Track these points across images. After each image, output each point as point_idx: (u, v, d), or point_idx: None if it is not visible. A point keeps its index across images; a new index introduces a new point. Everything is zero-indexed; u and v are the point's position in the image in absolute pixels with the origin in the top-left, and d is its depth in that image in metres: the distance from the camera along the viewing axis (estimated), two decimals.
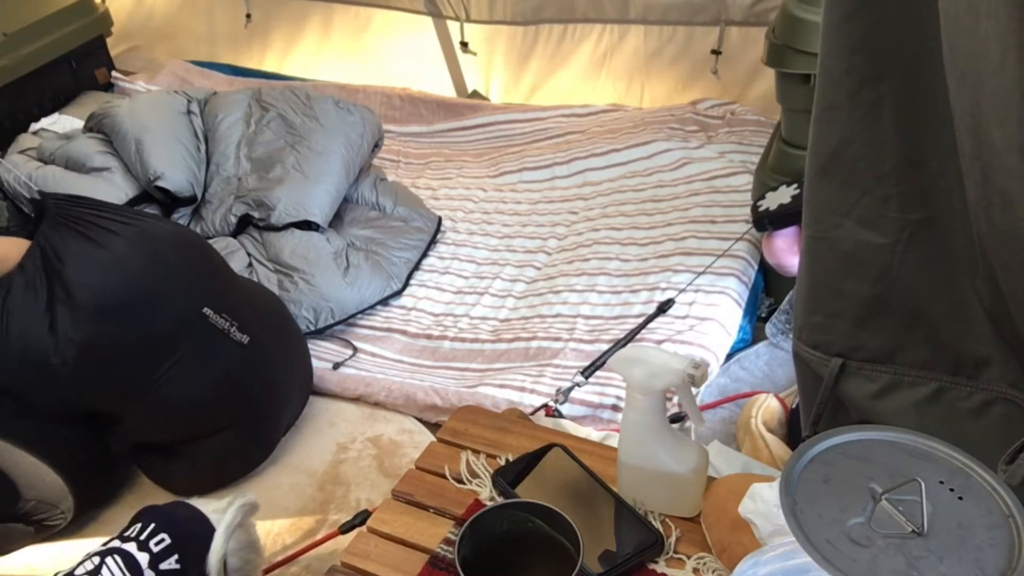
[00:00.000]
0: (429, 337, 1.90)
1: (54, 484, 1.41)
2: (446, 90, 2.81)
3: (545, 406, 1.52)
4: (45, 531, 1.44)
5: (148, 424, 1.47)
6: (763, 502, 0.88)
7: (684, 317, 1.73)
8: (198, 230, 2.06)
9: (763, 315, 1.86)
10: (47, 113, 2.60)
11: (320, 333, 1.89)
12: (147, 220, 1.49)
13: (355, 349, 1.86)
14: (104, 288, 1.33)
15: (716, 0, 2.35)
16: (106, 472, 1.54)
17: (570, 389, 1.55)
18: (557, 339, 1.79)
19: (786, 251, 1.75)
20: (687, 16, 2.42)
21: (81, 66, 2.81)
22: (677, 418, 1.39)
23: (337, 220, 2.11)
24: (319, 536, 1.38)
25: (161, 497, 1.51)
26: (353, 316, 1.93)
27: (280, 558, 1.38)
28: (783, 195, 1.73)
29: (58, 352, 1.31)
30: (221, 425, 1.49)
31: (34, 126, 2.48)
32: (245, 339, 1.48)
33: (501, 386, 1.65)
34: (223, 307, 1.46)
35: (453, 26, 2.73)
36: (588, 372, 1.58)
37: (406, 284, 2.04)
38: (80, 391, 1.38)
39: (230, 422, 1.50)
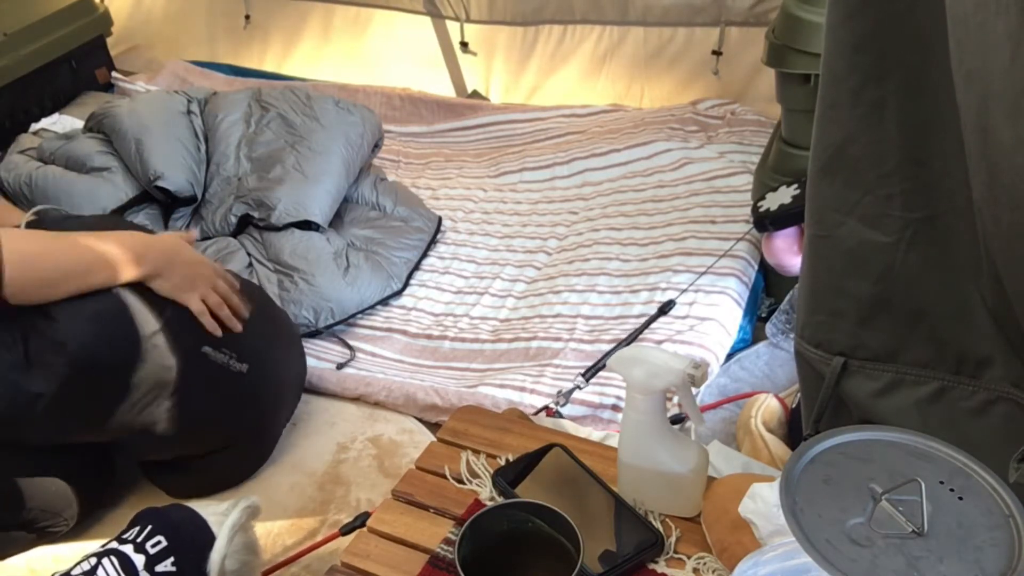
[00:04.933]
0: (429, 337, 1.90)
1: (60, 492, 1.39)
2: (446, 90, 2.81)
3: (546, 408, 1.52)
4: (47, 537, 1.43)
5: (148, 450, 1.45)
6: (763, 502, 0.88)
7: (684, 317, 1.73)
8: (198, 230, 2.06)
9: (763, 315, 1.85)
10: (47, 113, 2.59)
11: (320, 333, 1.89)
12: None
13: (352, 350, 1.84)
14: (97, 343, 1.25)
15: (716, 1, 2.35)
16: (111, 477, 1.54)
17: (571, 391, 1.56)
18: (557, 339, 1.79)
19: (786, 251, 1.74)
20: (687, 17, 2.41)
21: (81, 66, 2.81)
22: (677, 418, 1.39)
23: (337, 220, 2.11)
24: (319, 538, 1.38)
25: (163, 499, 1.51)
26: (353, 316, 1.93)
27: (280, 559, 1.38)
28: (783, 195, 1.73)
29: (40, 401, 1.22)
30: (225, 444, 1.48)
31: (34, 126, 2.47)
32: (244, 368, 1.42)
33: (501, 386, 1.64)
34: (221, 342, 1.39)
35: (453, 26, 2.73)
36: (589, 374, 1.58)
37: (406, 284, 2.04)
38: (71, 434, 1.34)
39: (234, 440, 1.49)
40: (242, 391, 1.45)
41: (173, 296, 1.34)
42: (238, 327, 1.42)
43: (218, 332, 1.38)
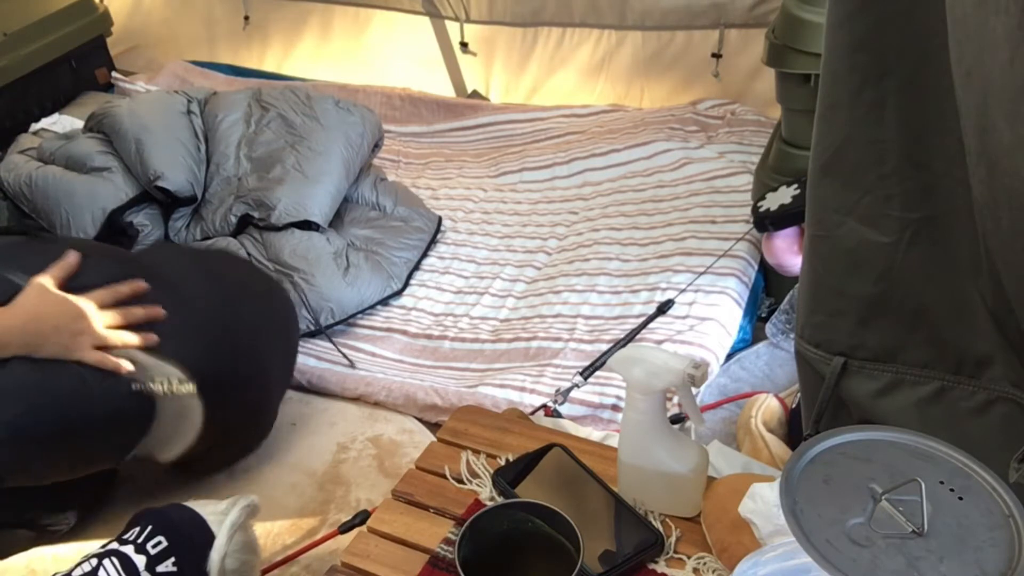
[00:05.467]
0: (429, 337, 1.90)
1: (61, 489, 1.39)
2: (446, 90, 2.81)
3: (544, 407, 1.52)
4: (48, 536, 1.43)
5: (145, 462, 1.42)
6: (763, 502, 0.88)
7: (684, 317, 1.73)
8: (198, 230, 2.06)
9: (763, 315, 1.86)
10: (47, 113, 2.59)
11: (320, 333, 1.89)
12: None
13: (352, 364, 1.83)
14: (25, 422, 1.17)
15: (715, 4, 2.34)
16: (111, 476, 1.53)
17: (569, 390, 1.55)
18: (557, 339, 1.79)
19: (786, 251, 1.75)
20: (685, 21, 2.41)
21: (81, 66, 2.81)
22: (677, 418, 1.39)
23: (337, 220, 2.11)
24: (319, 536, 1.38)
25: (163, 499, 1.50)
26: (353, 316, 1.93)
27: (280, 558, 1.38)
28: (783, 195, 1.73)
29: None
30: (219, 439, 1.43)
31: (34, 126, 2.47)
32: (189, 388, 1.29)
33: (501, 386, 1.64)
34: (154, 368, 1.27)
35: (452, 26, 2.73)
36: (587, 373, 1.58)
37: (406, 284, 2.04)
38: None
39: (223, 438, 1.46)
40: (210, 401, 1.33)
41: (63, 358, 1.22)
42: (154, 339, 1.28)
43: (126, 368, 1.25)
